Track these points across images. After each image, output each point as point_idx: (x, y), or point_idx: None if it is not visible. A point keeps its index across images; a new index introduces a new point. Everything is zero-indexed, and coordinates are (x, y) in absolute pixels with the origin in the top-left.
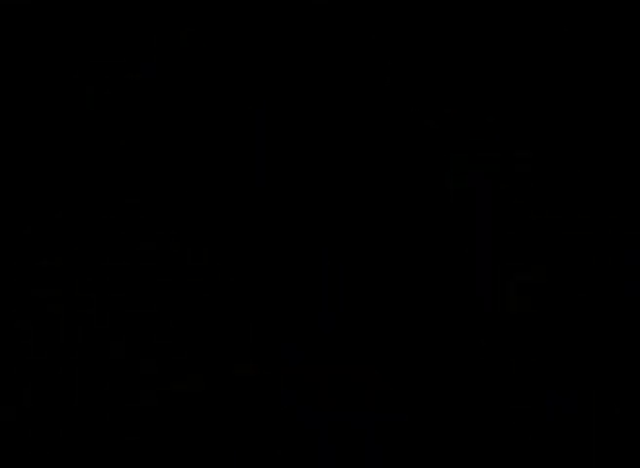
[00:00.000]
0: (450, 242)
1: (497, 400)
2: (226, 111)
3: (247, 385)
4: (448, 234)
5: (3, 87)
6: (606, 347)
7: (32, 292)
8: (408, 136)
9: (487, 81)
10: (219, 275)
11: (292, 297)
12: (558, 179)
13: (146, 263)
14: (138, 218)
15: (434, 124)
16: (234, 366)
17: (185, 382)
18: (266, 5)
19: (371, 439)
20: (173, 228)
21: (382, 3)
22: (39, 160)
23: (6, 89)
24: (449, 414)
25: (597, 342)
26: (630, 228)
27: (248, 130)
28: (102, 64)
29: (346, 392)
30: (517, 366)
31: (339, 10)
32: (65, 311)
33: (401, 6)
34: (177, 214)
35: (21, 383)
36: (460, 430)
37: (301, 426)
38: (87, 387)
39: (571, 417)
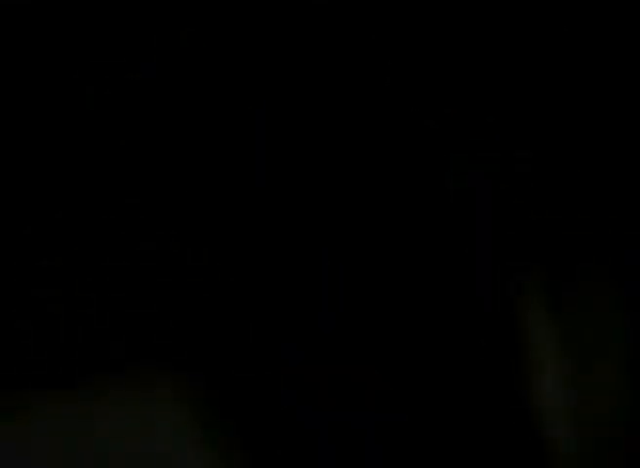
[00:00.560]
0: (450, 242)
1: (497, 400)
2: (226, 111)
3: (247, 385)
4: (448, 234)
5: (2, 87)
6: (605, 347)
7: (32, 292)
8: (408, 136)
9: (487, 81)
10: (219, 275)
11: (292, 297)
12: (558, 179)
13: (146, 263)
14: (138, 218)
15: (434, 124)
16: (234, 366)
17: (185, 382)
18: (266, 5)
19: (371, 439)
20: (173, 228)
21: (382, 3)
22: (39, 160)
23: (5, 89)
24: (449, 414)
25: (597, 342)
26: (630, 228)
27: (248, 130)
28: (102, 64)
29: (346, 392)
30: (517, 365)
31: (339, 10)
32: (65, 311)
33: (401, 6)
34: (177, 214)
35: (21, 383)
36: (460, 430)
37: (301, 426)
38: (87, 387)
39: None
